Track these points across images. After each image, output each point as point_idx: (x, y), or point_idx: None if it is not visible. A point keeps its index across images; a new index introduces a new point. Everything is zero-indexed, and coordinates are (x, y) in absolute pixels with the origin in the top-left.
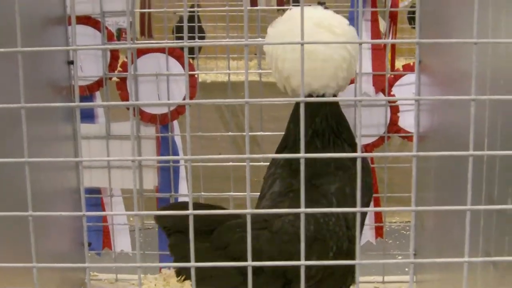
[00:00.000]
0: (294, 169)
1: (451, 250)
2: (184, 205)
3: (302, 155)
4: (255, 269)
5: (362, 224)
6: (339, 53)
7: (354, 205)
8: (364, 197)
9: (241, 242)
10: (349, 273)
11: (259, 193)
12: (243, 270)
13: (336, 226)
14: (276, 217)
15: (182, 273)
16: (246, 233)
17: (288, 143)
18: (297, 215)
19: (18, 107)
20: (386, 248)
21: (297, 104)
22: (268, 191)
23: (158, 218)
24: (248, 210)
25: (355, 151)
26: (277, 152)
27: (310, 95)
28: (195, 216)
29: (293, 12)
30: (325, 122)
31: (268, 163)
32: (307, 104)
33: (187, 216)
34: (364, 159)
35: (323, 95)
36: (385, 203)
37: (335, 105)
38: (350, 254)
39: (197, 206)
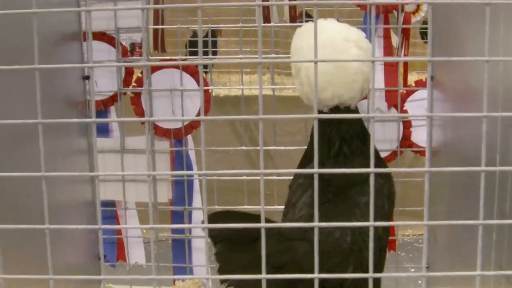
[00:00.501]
0: (327, 179)
1: (463, 263)
2: (230, 214)
3: (316, 170)
4: (295, 281)
5: (387, 237)
6: (367, 66)
7: (383, 217)
8: (390, 209)
9: (283, 252)
10: (377, 284)
11: (272, 207)
12: (286, 280)
13: (367, 237)
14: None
15: (225, 281)
16: (288, 243)
17: (313, 154)
18: (336, 227)
19: (36, 122)
20: (399, 261)
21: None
22: (299, 200)
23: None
24: (263, 224)
25: (379, 159)
26: (301, 163)
27: (337, 107)
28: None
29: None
30: (352, 129)
31: (283, 177)
32: (334, 112)
33: (232, 221)
34: (386, 172)
35: (349, 107)
36: (398, 217)
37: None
38: (379, 265)
39: (242, 215)
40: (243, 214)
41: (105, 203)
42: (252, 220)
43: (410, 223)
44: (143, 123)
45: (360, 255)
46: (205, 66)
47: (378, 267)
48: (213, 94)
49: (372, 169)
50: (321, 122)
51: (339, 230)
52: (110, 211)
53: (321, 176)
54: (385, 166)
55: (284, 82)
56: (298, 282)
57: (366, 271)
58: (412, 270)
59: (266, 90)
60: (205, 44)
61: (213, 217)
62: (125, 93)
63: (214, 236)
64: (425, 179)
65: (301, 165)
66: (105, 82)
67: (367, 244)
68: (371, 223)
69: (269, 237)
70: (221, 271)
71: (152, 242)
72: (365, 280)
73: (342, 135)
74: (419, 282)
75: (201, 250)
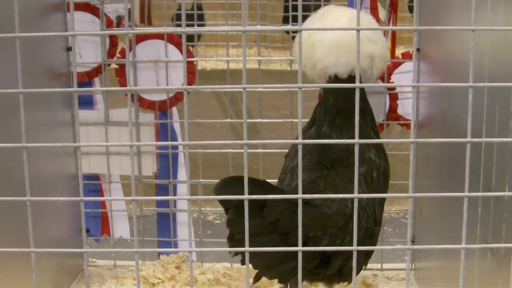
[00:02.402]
0: (323, 145)
1: (449, 237)
2: (241, 179)
3: (300, 141)
4: (295, 245)
5: (382, 211)
6: (377, 46)
7: (378, 191)
8: (384, 186)
9: (290, 217)
10: (370, 252)
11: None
12: (290, 242)
13: (367, 206)
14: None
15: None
16: (295, 208)
17: (315, 122)
18: (335, 190)
19: (16, 92)
20: (385, 236)
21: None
22: (295, 163)
23: (218, 191)
24: (246, 196)
25: (377, 135)
26: (305, 127)
27: (350, 75)
28: (249, 192)
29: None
30: (353, 100)
31: (268, 150)
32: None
33: (242, 188)
34: (382, 149)
35: (354, 77)
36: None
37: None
38: (374, 235)
39: (251, 181)
40: (251, 179)
41: (89, 177)
42: (260, 186)
43: (395, 195)
44: (127, 94)
45: (358, 221)
46: (191, 39)
47: (373, 238)
48: (200, 67)
49: (357, 140)
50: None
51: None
52: (94, 185)
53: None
54: (381, 145)
55: (270, 56)
56: (303, 245)
57: (364, 236)
58: (398, 245)
59: (253, 64)
60: (192, 17)
61: (225, 183)
62: (109, 65)
63: (225, 203)
64: (410, 150)
65: (304, 130)
66: (89, 54)
67: (363, 212)
68: (355, 195)
69: (275, 204)
70: (230, 239)
71: (134, 215)
72: (362, 243)
73: (341, 104)
74: (405, 258)
75: (185, 224)
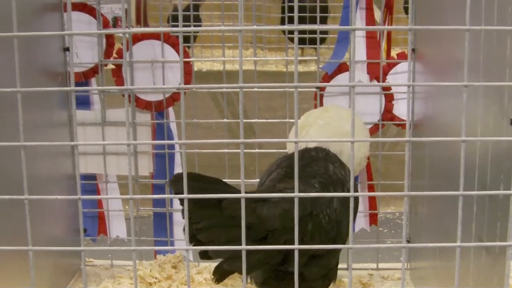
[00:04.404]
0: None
1: (444, 237)
2: (198, 176)
3: (295, 139)
4: (259, 240)
5: (356, 210)
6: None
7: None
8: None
9: (248, 213)
10: (338, 251)
11: (254, 180)
12: (251, 237)
13: (328, 209)
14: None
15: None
16: (253, 204)
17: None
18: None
19: (14, 91)
20: (381, 236)
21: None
22: (267, 179)
23: (172, 183)
24: (243, 194)
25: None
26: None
27: None
28: (205, 187)
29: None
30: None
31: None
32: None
33: (199, 185)
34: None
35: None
36: (379, 191)
37: None
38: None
39: (195, 176)
40: (206, 177)
41: (86, 177)
42: (215, 184)
43: (390, 194)
44: (124, 95)
45: (317, 218)
46: (187, 40)
47: (339, 237)
48: (196, 69)
49: (351, 139)
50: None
51: (304, 190)
52: (91, 185)
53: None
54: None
55: (266, 57)
56: (264, 241)
57: (323, 233)
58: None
59: (249, 65)
60: (188, 18)
61: (177, 177)
62: (106, 65)
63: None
64: (405, 149)
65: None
66: (86, 54)
67: (327, 215)
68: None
69: (235, 201)
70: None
71: (131, 213)
72: (324, 239)
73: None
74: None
75: (182, 224)
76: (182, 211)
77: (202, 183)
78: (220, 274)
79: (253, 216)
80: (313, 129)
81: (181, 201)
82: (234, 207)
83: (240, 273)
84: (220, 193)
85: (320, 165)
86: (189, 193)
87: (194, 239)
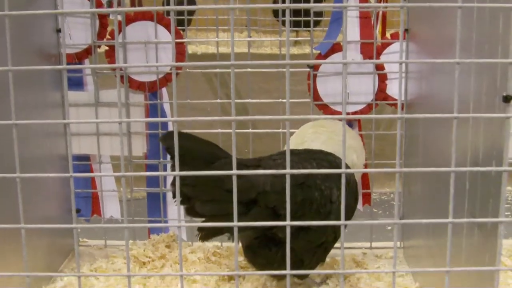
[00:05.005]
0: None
1: (437, 215)
2: (189, 136)
3: (287, 117)
4: (249, 202)
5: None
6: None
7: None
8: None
9: (238, 177)
10: (328, 226)
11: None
12: (239, 198)
13: (322, 185)
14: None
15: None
16: (242, 169)
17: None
18: (296, 163)
19: (5, 69)
20: (375, 217)
21: None
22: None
23: (163, 140)
24: (235, 171)
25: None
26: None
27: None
28: (198, 148)
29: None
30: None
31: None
32: None
33: (190, 142)
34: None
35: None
36: (374, 173)
37: None
38: (330, 215)
39: (187, 136)
40: (198, 138)
41: (80, 157)
42: (206, 145)
43: (382, 170)
44: (116, 76)
45: (309, 190)
46: (182, 24)
47: (328, 217)
48: (190, 52)
49: (343, 116)
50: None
51: (297, 166)
52: (85, 166)
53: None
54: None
55: (261, 40)
56: (253, 204)
57: (314, 206)
58: (389, 227)
59: (243, 47)
60: (182, 2)
61: (169, 134)
62: (99, 46)
63: (171, 149)
64: (397, 126)
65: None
66: (79, 35)
67: (317, 185)
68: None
69: (226, 164)
70: (173, 184)
71: (124, 190)
72: (315, 214)
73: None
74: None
75: (175, 204)
76: (172, 165)
77: (194, 143)
78: (205, 233)
79: (243, 178)
80: (316, 143)
81: (172, 156)
82: (224, 168)
83: (225, 232)
84: (211, 155)
85: (319, 155)
86: (180, 152)
87: (182, 195)
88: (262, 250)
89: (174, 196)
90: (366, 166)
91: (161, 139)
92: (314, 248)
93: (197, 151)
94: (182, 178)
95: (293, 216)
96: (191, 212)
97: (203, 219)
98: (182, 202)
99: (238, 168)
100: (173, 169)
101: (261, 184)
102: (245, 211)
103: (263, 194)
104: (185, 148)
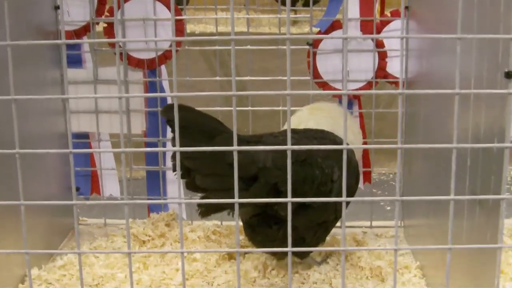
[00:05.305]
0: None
1: (438, 194)
2: (190, 109)
3: (288, 92)
4: (250, 178)
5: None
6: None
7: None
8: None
9: (239, 151)
10: (330, 205)
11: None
12: (240, 174)
13: (323, 164)
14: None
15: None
16: (243, 144)
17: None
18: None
19: (4, 44)
20: (374, 196)
21: None
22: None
23: (164, 112)
24: (235, 147)
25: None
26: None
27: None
28: (199, 120)
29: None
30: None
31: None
32: None
33: (191, 115)
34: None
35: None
36: (372, 151)
37: None
38: (332, 193)
39: (188, 108)
40: (198, 111)
41: (79, 135)
42: (207, 119)
43: (383, 146)
44: (115, 53)
45: (310, 167)
46: (180, 3)
47: (329, 195)
48: (189, 31)
49: (344, 91)
50: None
51: (298, 143)
52: (84, 144)
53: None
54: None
55: (260, 19)
56: (254, 180)
57: (315, 183)
58: (388, 208)
59: (242, 27)
60: None
61: (169, 106)
62: (98, 23)
63: (172, 121)
64: (398, 102)
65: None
66: (77, 12)
67: (318, 162)
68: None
69: (227, 139)
70: (173, 157)
71: (123, 166)
72: (316, 191)
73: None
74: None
75: (175, 182)
76: (172, 139)
77: (195, 116)
78: (205, 209)
79: (244, 154)
80: (311, 123)
81: (172, 129)
82: (226, 144)
83: (225, 208)
84: (212, 129)
85: (320, 133)
86: (181, 124)
87: (183, 168)
88: (262, 227)
89: (174, 170)
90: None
91: (162, 111)
92: (315, 226)
93: (198, 124)
94: (184, 151)
95: (294, 193)
96: (191, 186)
97: (203, 194)
98: (182, 176)
99: (239, 144)
100: (173, 141)
101: (262, 160)
102: (246, 187)
103: (264, 170)
104: (186, 121)
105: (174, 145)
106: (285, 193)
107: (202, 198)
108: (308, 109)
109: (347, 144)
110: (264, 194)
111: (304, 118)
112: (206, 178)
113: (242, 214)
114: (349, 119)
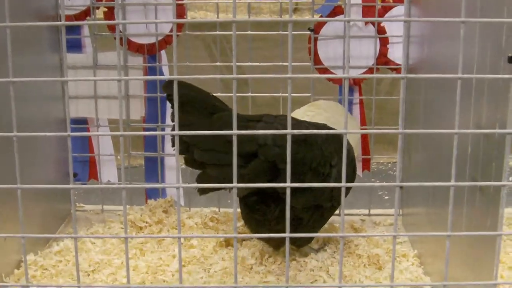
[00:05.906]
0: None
1: (438, 181)
2: (190, 86)
3: (289, 75)
4: (250, 155)
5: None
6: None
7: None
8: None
9: (241, 128)
10: (325, 190)
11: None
12: (239, 151)
13: (322, 147)
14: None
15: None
16: (243, 123)
17: None
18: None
19: (3, 26)
20: (373, 187)
21: None
22: None
23: (165, 87)
24: (235, 131)
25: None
26: None
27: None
28: (199, 97)
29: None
30: None
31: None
32: None
33: (191, 91)
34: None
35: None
36: (372, 139)
37: None
38: (329, 178)
39: (187, 85)
40: (198, 88)
41: (77, 121)
42: (206, 96)
43: (385, 131)
44: (115, 38)
45: (311, 147)
46: None
47: (328, 180)
48: (189, 18)
49: (343, 75)
50: None
51: (298, 124)
52: (83, 129)
53: None
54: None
55: (260, 7)
56: (253, 157)
57: (315, 163)
58: (386, 197)
59: (242, 14)
60: None
61: (169, 82)
62: (98, 8)
63: (171, 97)
64: (401, 87)
65: None
66: None
67: (318, 144)
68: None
69: (227, 116)
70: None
71: (121, 148)
72: (314, 172)
73: None
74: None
75: (173, 169)
76: (172, 114)
77: (195, 92)
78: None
79: (244, 130)
80: (308, 118)
81: (172, 105)
82: (225, 119)
83: (224, 184)
84: (212, 106)
85: (319, 124)
86: (180, 100)
87: (182, 144)
88: (259, 205)
89: (173, 145)
90: (366, 135)
91: (163, 86)
92: (312, 208)
93: (198, 100)
94: (182, 125)
95: (293, 173)
96: (189, 162)
97: (201, 170)
98: (181, 152)
99: (239, 122)
100: (173, 117)
101: (262, 137)
102: (245, 163)
103: (264, 147)
104: (186, 97)
105: (173, 121)
106: (284, 170)
107: (201, 175)
108: (304, 107)
109: (348, 144)
110: (263, 171)
111: (299, 114)
112: (205, 152)
113: (240, 191)
114: (349, 120)
